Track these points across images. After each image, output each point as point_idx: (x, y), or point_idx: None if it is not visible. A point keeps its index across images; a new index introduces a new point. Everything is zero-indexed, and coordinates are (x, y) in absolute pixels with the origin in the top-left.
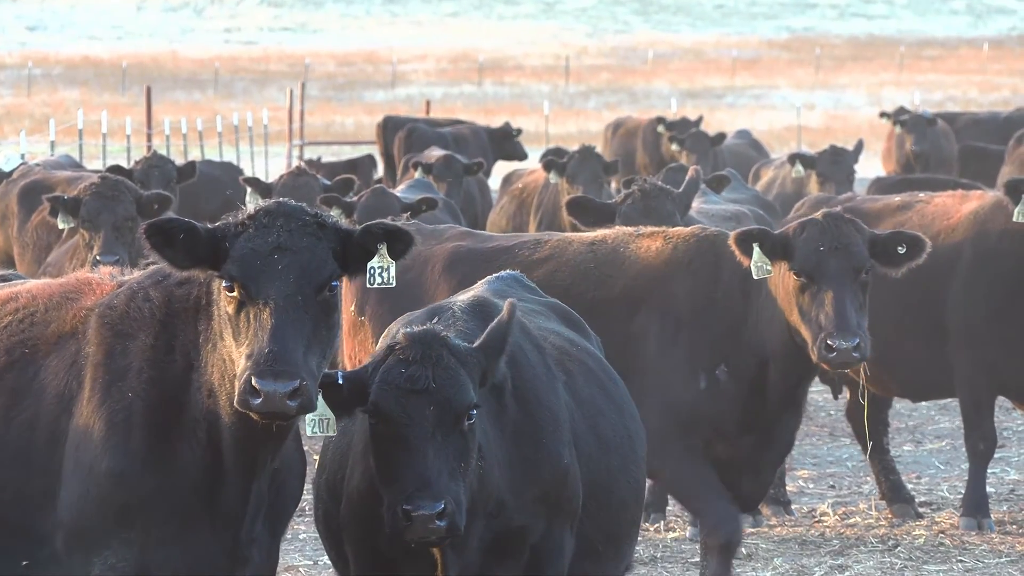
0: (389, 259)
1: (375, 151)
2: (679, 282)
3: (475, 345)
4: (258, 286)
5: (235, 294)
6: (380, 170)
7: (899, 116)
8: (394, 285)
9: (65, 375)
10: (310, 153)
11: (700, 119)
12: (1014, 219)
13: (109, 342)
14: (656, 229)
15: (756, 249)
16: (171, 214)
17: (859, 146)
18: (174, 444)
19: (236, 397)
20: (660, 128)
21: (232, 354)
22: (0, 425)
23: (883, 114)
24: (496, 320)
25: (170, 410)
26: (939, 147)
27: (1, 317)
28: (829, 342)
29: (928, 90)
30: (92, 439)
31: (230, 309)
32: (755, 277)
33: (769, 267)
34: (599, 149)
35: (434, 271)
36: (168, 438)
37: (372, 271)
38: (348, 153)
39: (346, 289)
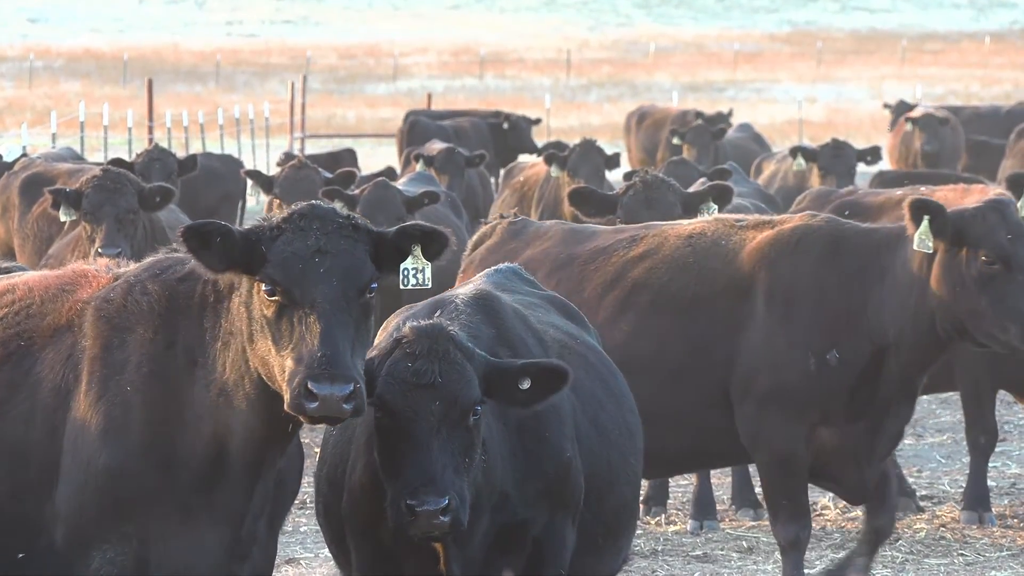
0: (424, 260)
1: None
2: (787, 265)
3: (492, 360)
4: (303, 289)
5: (276, 298)
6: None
7: (903, 112)
8: (430, 287)
9: (62, 368)
10: (311, 147)
11: (730, 112)
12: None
13: (106, 335)
14: (762, 218)
15: (925, 221)
16: (173, 207)
17: (876, 152)
18: (174, 440)
19: (289, 401)
20: (699, 120)
21: (269, 357)
22: None
23: (886, 105)
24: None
25: (170, 406)
26: (950, 146)
27: None
28: None
29: (930, 84)
30: (90, 433)
31: (269, 312)
32: (915, 248)
33: (931, 244)
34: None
35: (535, 277)
36: (168, 434)
37: (406, 272)
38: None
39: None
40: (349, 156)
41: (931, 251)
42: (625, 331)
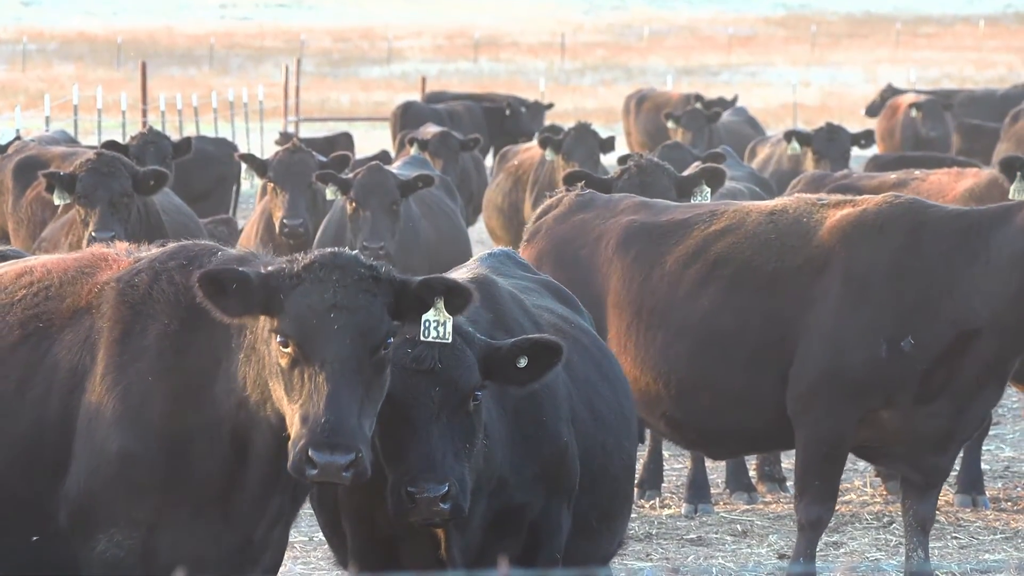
0: (446, 314)
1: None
2: (868, 245)
3: (490, 343)
4: (314, 347)
5: (289, 350)
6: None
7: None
8: (449, 341)
9: (79, 350)
10: (305, 130)
11: (735, 98)
12: (1010, 196)
13: (128, 320)
14: (843, 198)
15: (1019, 176)
16: (168, 190)
17: (870, 135)
18: (191, 436)
19: (291, 463)
20: (697, 104)
21: (283, 404)
22: (14, 399)
23: (884, 91)
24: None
25: (189, 402)
26: (949, 131)
27: (15, 291)
28: None
29: (924, 67)
30: (105, 418)
31: (283, 363)
32: (1011, 197)
33: None
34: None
35: (608, 247)
36: (184, 428)
37: (427, 324)
38: (343, 129)
39: None
40: (345, 140)
41: None
42: (707, 306)
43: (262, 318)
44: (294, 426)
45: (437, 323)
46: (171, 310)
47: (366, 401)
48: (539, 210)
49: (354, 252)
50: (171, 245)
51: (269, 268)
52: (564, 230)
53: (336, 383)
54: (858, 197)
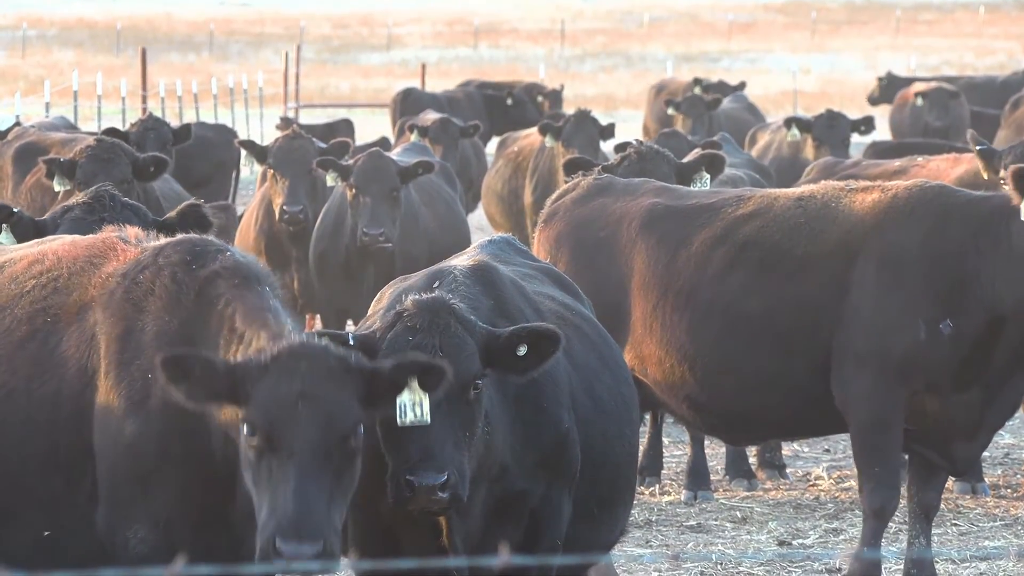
0: (421, 392)
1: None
2: (900, 231)
3: (491, 330)
4: (281, 437)
5: (256, 441)
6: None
7: (895, 84)
8: (428, 422)
9: (86, 348)
10: (305, 117)
11: (742, 84)
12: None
13: (130, 317)
14: (870, 183)
15: None
16: (167, 177)
17: (870, 122)
18: (191, 436)
19: (258, 551)
20: (697, 89)
21: (252, 490)
22: (22, 397)
23: (880, 79)
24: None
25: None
26: (960, 119)
27: (24, 282)
28: None
29: (924, 54)
30: (115, 413)
31: (251, 454)
32: (1023, 217)
33: None
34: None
35: (630, 228)
36: (186, 426)
37: (403, 406)
38: (343, 116)
39: (536, 246)
40: (346, 126)
41: None
42: (734, 289)
43: (229, 409)
44: (262, 515)
45: (413, 403)
46: (172, 308)
47: (335, 491)
48: (556, 193)
49: (323, 343)
50: (179, 237)
51: (236, 359)
52: (583, 213)
53: (303, 473)
54: (886, 183)
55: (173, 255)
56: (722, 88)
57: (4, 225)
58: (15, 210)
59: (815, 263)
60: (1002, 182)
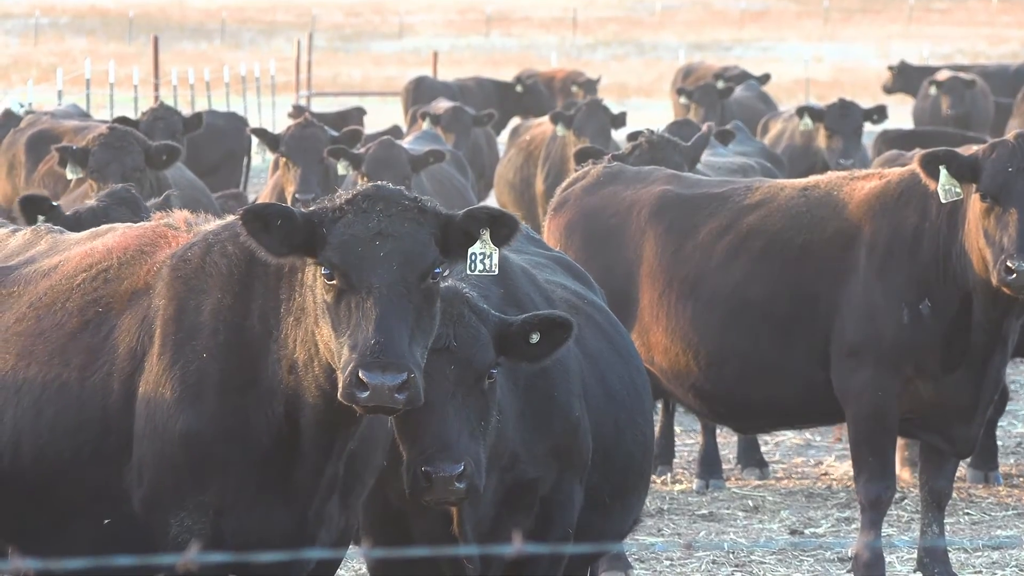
0: (492, 246)
1: (382, 103)
2: (889, 215)
3: (504, 319)
4: (360, 274)
5: (335, 282)
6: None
7: (907, 73)
8: (496, 273)
9: (138, 331)
10: (317, 105)
11: (767, 76)
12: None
13: (182, 297)
14: (872, 171)
15: (943, 171)
16: (180, 165)
17: (880, 113)
18: (248, 412)
19: (341, 390)
20: (720, 83)
21: (331, 343)
22: (75, 386)
23: (891, 68)
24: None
25: (245, 377)
26: (978, 108)
27: (75, 275)
28: (1008, 264)
29: (937, 43)
30: (164, 398)
31: (329, 297)
32: (943, 201)
33: (958, 190)
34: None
35: (640, 216)
36: (242, 405)
37: (473, 257)
38: (355, 104)
39: (547, 234)
40: (357, 114)
41: (960, 196)
42: (737, 277)
43: (309, 271)
44: (343, 356)
45: (483, 255)
46: (224, 283)
47: (416, 329)
48: (566, 182)
49: (397, 186)
50: (228, 218)
51: (311, 207)
52: (594, 201)
53: (385, 307)
54: (886, 170)
55: (222, 232)
56: (744, 79)
57: (41, 217)
58: (55, 204)
59: (815, 251)
60: None
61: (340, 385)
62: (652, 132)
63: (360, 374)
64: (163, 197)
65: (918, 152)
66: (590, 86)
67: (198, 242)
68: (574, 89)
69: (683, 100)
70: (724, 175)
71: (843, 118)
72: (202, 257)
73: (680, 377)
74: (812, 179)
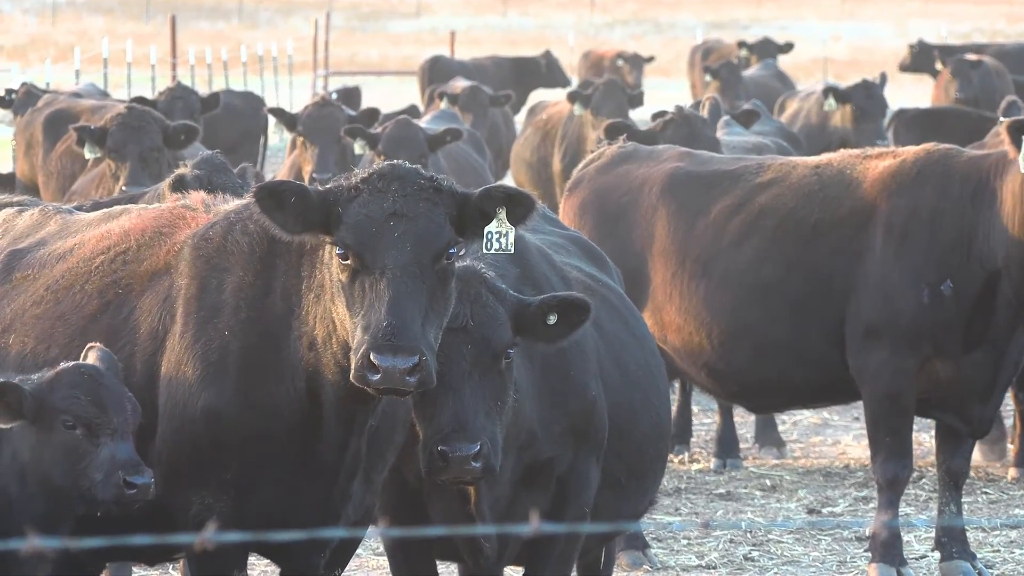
0: (508, 224)
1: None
2: (905, 194)
3: (521, 299)
4: (374, 255)
5: (349, 262)
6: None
7: (926, 52)
8: (512, 252)
9: (159, 311)
10: (334, 84)
11: (790, 45)
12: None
13: (204, 276)
14: (885, 149)
15: None
16: (198, 144)
17: (883, 79)
18: (270, 389)
19: (353, 372)
20: (743, 52)
21: (346, 322)
22: None
23: (911, 46)
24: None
25: (267, 354)
26: (990, 89)
27: (93, 257)
28: None
29: (955, 21)
30: (187, 376)
31: (343, 277)
32: (1021, 170)
33: None
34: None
35: (651, 194)
36: (264, 382)
37: (489, 236)
38: (372, 84)
39: (562, 214)
40: (355, 94)
41: None
42: (749, 256)
43: (326, 249)
44: (356, 337)
45: (500, 234)
46: (245, 261)
47: (430, 310)
48: (582, 163)
49: (414, 165)
50: (247, 198)
51: (327, 186)
52: (607, 180)
53: (397, 289)
54: (899, 148)
55: (243, 210)
56: (767, 46)
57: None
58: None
59: (828, 230)
60: None
61: (352, 367)
62: (681, 108)
63: (372, 357)
64: (238, 169)
65: (1003, 121)
66: (636, 61)
67: (219, 221)
68: (619, 63)
69: (708, 78)
70: (739, 154)
71: (869, 99)
72: (223, 236)
73: (693, 356)
74: (824, 157)
